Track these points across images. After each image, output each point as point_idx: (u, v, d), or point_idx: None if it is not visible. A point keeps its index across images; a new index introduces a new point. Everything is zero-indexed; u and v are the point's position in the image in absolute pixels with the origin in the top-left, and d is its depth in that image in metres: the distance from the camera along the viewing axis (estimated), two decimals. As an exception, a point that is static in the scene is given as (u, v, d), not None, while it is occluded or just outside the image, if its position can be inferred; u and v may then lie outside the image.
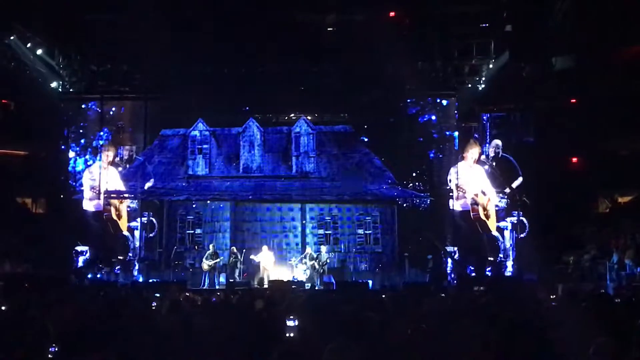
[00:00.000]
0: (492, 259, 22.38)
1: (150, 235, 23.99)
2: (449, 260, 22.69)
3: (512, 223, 21.82)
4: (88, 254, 23.30)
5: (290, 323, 7.84)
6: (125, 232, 23.60)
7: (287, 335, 7.50)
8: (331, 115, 27.56)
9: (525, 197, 21.60)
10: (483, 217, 21.77)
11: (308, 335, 6.81)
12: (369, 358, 4.77)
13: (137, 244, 23.57)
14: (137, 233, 23.65)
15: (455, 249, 22.86)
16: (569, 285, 17.18)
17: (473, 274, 22.51)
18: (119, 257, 23.39)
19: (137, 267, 23.32)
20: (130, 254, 23.68)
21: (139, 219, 23.69)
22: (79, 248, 23.27)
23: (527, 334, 5.81)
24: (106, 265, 23.24)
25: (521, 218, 21.36)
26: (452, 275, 22.23)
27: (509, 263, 22.07)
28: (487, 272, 22.29)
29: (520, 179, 22.44)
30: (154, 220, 24.11)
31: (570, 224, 23.83)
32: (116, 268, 23.18)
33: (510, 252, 22.00)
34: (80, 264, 23.11)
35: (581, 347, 4.94)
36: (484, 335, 5.02)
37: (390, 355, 4.76)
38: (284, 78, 23.60)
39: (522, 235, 21.45)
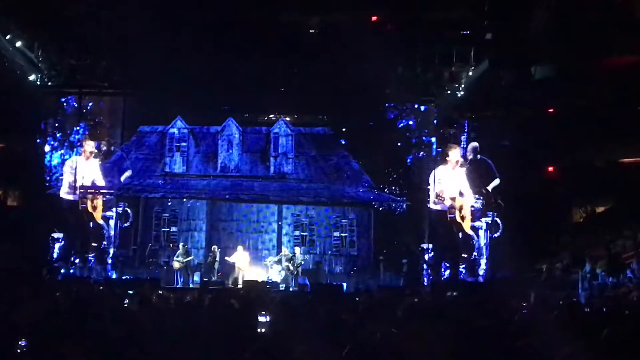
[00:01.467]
0: (466, 256, 22.62)
1: (125, 225, 23.92)
2: (425, 264, 22.86)
3: (487, 223, 22.04)
4: (63, 242, 23.17)
5: (262, 319, 7.85)
6: (100, 221, 23.55)
7: (259, 330, 7.50)
8: (310, 117, 27.62)
9: (500, 199, 21.85)
10: (459, 219, 21.97)
11: (281, 335, 6.81)
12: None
13: (112, 232, 23.51)
14: (112, 222, 23.59)
15: (430, 246, 23.03)
16: (541, 293, 17.29)
17: (447, 276, 22.71)
18: (93, 244, 23.33)
19: (111, 256, 23.20)
20: (105, 242, 23.62)
21: (114, 209, 23.64)
22: (55, 235, 23.17)
23: (498, 341, 5.86)
24: (80, 259, 23.12)
25: (495, 219, 21.70)
26: (429, 272, 22.49)
27: (483, 261, 22.32)
28: (462, 269, 22.50)
29: (496, 181, 22.64)
30: (128, 210, 24.01)
31: (545, 232, 24.02)
32: (90, 256, 23.10)
33: (484, 251, 22.27)
34: (55, 252, 22.97)
35: (551, 356, 4.99)
36: (455, 341, 5.05)
37: (360, 358, 4.78)
38: (264, 78, 23.55)
39: (496, 235, 21.77)
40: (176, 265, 23.65)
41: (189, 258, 23.92)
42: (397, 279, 23.23)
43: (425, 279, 22.20)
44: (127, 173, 24.88)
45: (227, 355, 5.35)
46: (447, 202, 21.73)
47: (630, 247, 21.43)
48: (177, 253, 23.94)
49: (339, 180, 26.22)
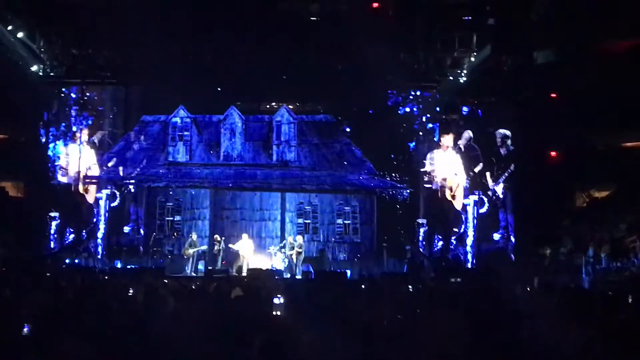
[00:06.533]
0: (456, 230, 24.21)
1: (114, 204, 25.00)
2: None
3: (474, 200, 23.73)
4: (59, 220, 24.28)
5: (277, 301, 7.91)
6: (91, 202, 24.45)
7: (274, 313, 7.56)
8: (312, 105, 27.60)
9: (484, 180, 24.06)
10: (449, 198, 23.66)
11: (289, 323, 6.85)
12: (345, 347, 4.81)
13: (102, 211, 24.69)
14: (102, 202, 24.51)
15: (425, 221, 24.59)
16: (544, 278, 17.33)
17: (439, 247, 24.44)
18: (85, 222, 24.54)
19: (102, 232, 24.49)
20: (95, 219, 24.70)
21: (103, 191, 24.41)
22: (52, 214, 24.22)
23: (500, 326, 5.89)
24: (75, 236, 23.91)
25: (481, 196, 23.82)
26: (423, 243, 24.54)
27: (470, 233, 23.69)
28: (453, 240, 24.26)
29: (481, 165, 24.24)
30: (116, 191, 25.06)
31: (548, 217, 24.04)
32: (83, 232, 23.97)
33: (471, 224, 23.70)
34: (52, 229, 24.09)
35: (553, 339, 5.02)
36: (458, 326, 5.09)
37: (366, 344, 4.81)
38: (266, 67, 23.53)
39: (481, 210, 23.81)
40: (188, 252, 23.73)
41: (202, 247, 24.07)
42: (400, 266, 23.29)
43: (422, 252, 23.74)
44: (111, 162, 25.48)
45: (234, 343, 5.38)
46: (439, 180, 23.04)
47: (634, 232, 21.41)
48: (190, 241, 24.01)
49: (341, 168, 26.23)
